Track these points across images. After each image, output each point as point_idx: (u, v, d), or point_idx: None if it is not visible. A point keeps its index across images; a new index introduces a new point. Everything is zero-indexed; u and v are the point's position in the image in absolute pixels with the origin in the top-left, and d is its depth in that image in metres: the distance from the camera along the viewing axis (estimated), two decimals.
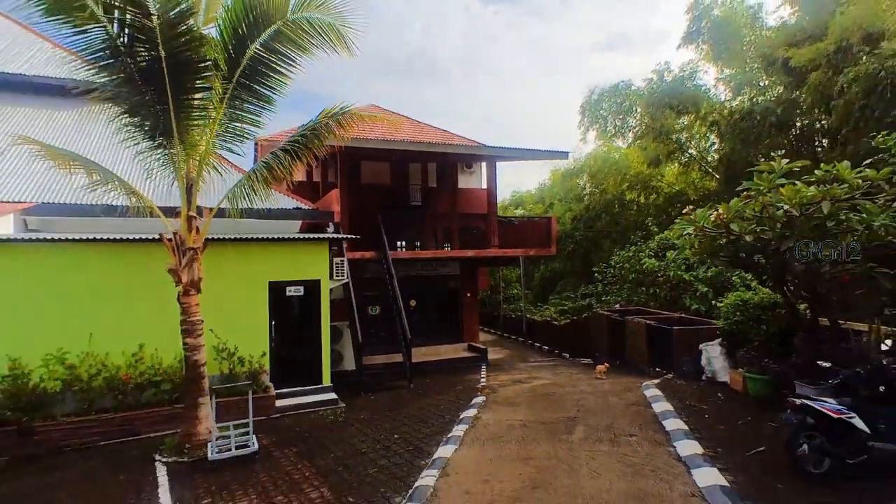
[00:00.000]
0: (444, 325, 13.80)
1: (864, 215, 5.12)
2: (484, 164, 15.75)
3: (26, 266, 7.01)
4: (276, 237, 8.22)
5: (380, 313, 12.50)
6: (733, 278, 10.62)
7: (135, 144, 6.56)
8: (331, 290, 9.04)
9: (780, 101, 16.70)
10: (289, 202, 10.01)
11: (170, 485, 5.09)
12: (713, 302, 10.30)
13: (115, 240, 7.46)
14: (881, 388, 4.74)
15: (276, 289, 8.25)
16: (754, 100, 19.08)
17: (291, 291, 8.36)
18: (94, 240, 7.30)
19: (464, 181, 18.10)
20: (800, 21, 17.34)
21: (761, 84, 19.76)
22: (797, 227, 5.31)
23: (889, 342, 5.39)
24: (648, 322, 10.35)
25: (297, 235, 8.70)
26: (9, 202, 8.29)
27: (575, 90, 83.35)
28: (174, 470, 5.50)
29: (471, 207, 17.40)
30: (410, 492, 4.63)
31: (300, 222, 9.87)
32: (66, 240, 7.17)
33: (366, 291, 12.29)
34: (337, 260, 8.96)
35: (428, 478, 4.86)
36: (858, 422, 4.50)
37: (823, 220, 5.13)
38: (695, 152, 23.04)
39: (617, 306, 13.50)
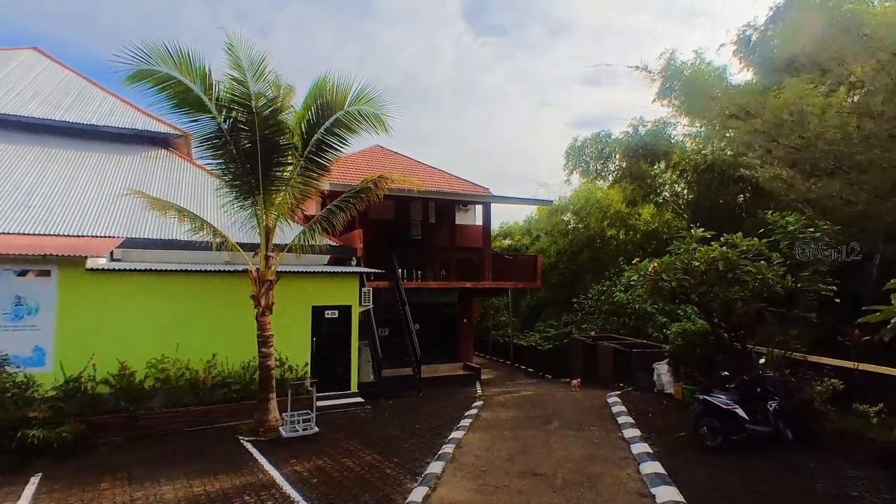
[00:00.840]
0: (443, 346, 15.82)
1: (753, 270, 7.43)
2: (479, 206, 18.08)
3: (131, 290, 9.00)
4: (321, 271, 10.35)
5: (388, 335, 14.52)
6: (679, 312, 12.91)
7: (228, 201, 8.68)
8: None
9: (738, 155, 19.38)
10: (322, 240, 12.14)
11: (260, 452, 7.06)
12: (664, 330, 12.56)
13: (197, 271, 9.49)
14: (758, 390, 6.94)
15: (317, 312, 10.32)
16: (716, 153, 21.83)
17: (329, 314, 10.43)
18: (183, 271, 9.34)
19: (460, 218, 20.43)
20: (757, 84, 20.23)
21: (726, 137, 22.60)
22: (707, 277, 7.60)
23: (763, 359, 7.61)
24: (615, 346, 12.55)
25: (336, 269, 10.81)
26: (100, 236, 10.33)
27: (562, 120, 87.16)
28: (258, 444, 7.46)
29: (466, 241, 19.66)
30: (437, 455, 6.68)
31: (328, 256, 11.99)
32: (163, 270, 9.20)
33: (376, 315, 14.33)
34: (364, 289, 11.06)
35: (447, 448, 6.91)
36: (739, 411, 6.68)
37: (724, 273, 7.43)
38: (668, 195, 25.68)
39: (592, 333, 15.69)
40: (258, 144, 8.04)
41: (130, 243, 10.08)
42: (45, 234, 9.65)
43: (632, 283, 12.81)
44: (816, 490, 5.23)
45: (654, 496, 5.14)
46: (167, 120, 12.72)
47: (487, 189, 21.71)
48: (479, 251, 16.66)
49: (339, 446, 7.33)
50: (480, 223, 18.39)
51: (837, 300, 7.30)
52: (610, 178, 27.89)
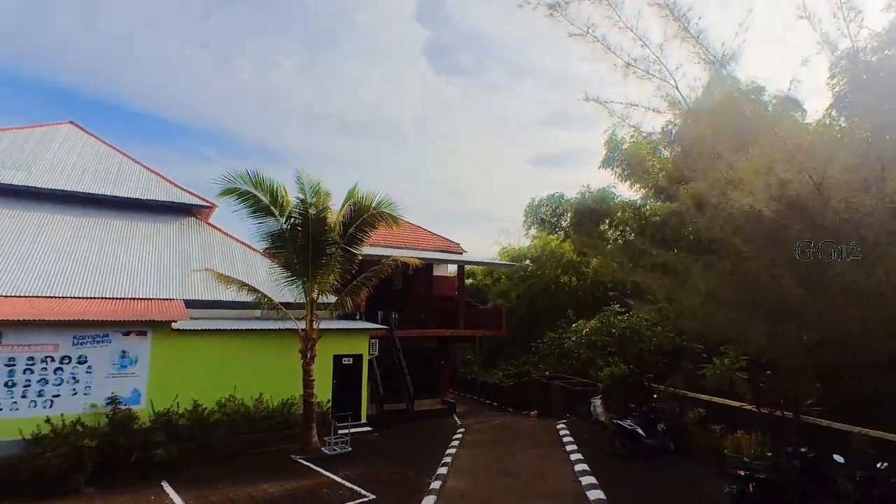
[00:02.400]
0: (424, 383, 18.81)
1: (650, 333, 11.09)
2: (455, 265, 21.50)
3: (202, 344, 11.72)
4: (342, 328, 13.36)
5: (385, 375, 17.42)
6: (609, 359, 16.58)
7: (280, 277, 11.68)
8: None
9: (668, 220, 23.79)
10: (332, 298, 15.16)
11: (314, 465, 9.93)
12: (600, 372, 16.16)
13: (248, 330, 12.33)
14: (652, 416, 10.46)
15: (337, 359, 13.27)
16: (650, 218, 26.31)
17: (345, 361, 13.40)
18: (238, 330, 12.17)
19: (436, 270, 23.84)
20: (682, 161, 24.94)
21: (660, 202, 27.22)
22: (622, 338, 11.21)
23: (656, 395, 11.20)
24: (563, 385, 16.01)
25: (353, 326, 13.84)
26: (164, 298, 13.02)
27: (523, 157, 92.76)
28: (310, 460, 10.32)
29: (442, 291, 23.00)
30: (440, 463, 9.79)
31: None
32: (225, 330, 12.01)
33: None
34: (371, 341, 14.11)
35: (446, 459, 10.04)
36: (639, 430, 10.15)
37: (631, 336, 11.06)
38: (612, 248, 29.99)
39: (546, 373, 19.13)
40: (309, 240, 11.18)
41: (191, 303, 12.84)
42: (129, 298, 12.31)
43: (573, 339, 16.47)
44: (681, 478, 8.69)
45: (581, 482, 8.46)
46: (244, 221, 15.47)
47: (459, 244, 25.38)
48: (453, 300, 19.97)
49: (369, 461, 10.30)
50: (454, 274, 21.81)
51: (705, 355, 11.02)
52: (562, 233, 32.23)
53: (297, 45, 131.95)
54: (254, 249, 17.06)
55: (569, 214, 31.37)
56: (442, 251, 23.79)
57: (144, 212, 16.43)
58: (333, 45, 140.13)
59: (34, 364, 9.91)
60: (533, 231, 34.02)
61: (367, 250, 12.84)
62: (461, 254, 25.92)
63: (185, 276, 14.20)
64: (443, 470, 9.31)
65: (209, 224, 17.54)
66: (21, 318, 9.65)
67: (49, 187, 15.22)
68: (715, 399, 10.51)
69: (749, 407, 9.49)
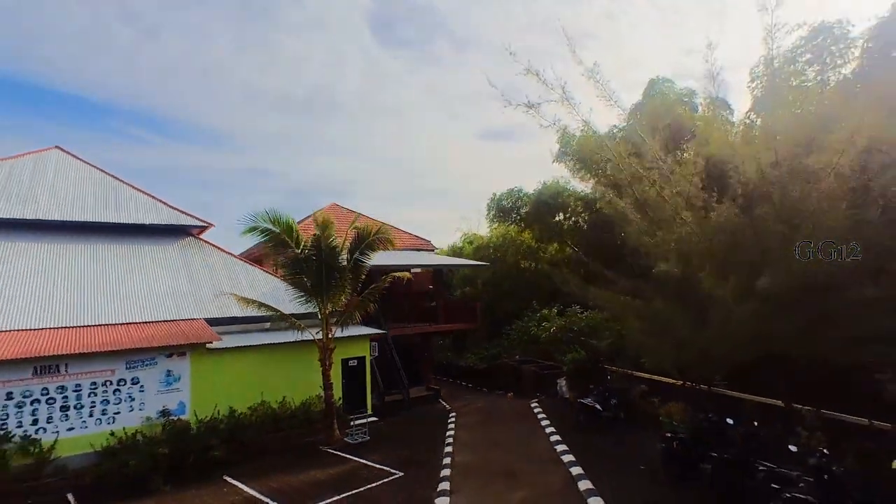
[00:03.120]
0: (411, 374, 21.19)
1: (603, 327, 13.89)
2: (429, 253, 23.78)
3: (233, 358, 13.57)
4: (350, 335, 15.44)
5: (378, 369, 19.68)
6: (572, 346, 19.54)
7: (296, 297, 13.63)
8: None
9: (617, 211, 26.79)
10: (357, 319, 17.16)
11: (343, 453, 12.19)
12: (563, 357, 19.09)
13: (270, 344, 14.24)
14: (606, 393, 13.31)
15: (344, 362, 15.42)
16: (600, 210, 29.37)
17: (351, 363, 15.56)
18: (263, 345, 14.07)
19: (415, 268, 26.02)
20: (625, 161, 27.99)
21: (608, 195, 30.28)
22: (582, 331, 13.97)
23: (610, 375, 14.08)
24: (534, 369, 18.84)
25: (355, 333, 15.93)
26: (188, 319, 14.68)
27: (472, 131, 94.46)
28: (338, 449, 12.56)
29: (419, 287, 25.23)
30: (445, 443, 12.29)
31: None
32: (252, 346, 13.88)
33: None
34: (372, 344, 16.32)
35: (449, 440, 12.56)
36: (598, 406, 12.99)
37: (589, 330, 13.83)
38: (567, 237, 33.09)
39: (516, 357, 21.94)
40: (323, 265, 13.18)
41: (214, 322, 14.58)
42: (160, 321, 13.92)
43: (543, 325, 19.23)
44: (629, 441, 11.55)
45: (556, 449, 11.17)
46: (265, 251, 16.86)
47: (429, 241, 27.75)
48: (429, 293, 22.31)
49: (386, 446, 12.67)
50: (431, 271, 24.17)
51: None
52: (522, 223, 35.05)
53: (230, 17, 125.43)
54: (251, 264, 18.74)
55: (527, 206, 34.18)
56: (416, 249, 26.09)
57: (146, 235, 17.69)
58: (271, 17, 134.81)
59: (97, 388, 11.58)
60: (495, 224, 36.66)
61: (370, 261, 14.89)
62: (432, 250, 28.29)
63: (198, 295, 15.83)
64: (448, 448, 11.82)
65: (206, 242, 19.00)
66: (83, 352, 11.28)
67: (57, 219, 16.27)
68: (654, 377, 13.47)
69: (678, 383, 12.47)
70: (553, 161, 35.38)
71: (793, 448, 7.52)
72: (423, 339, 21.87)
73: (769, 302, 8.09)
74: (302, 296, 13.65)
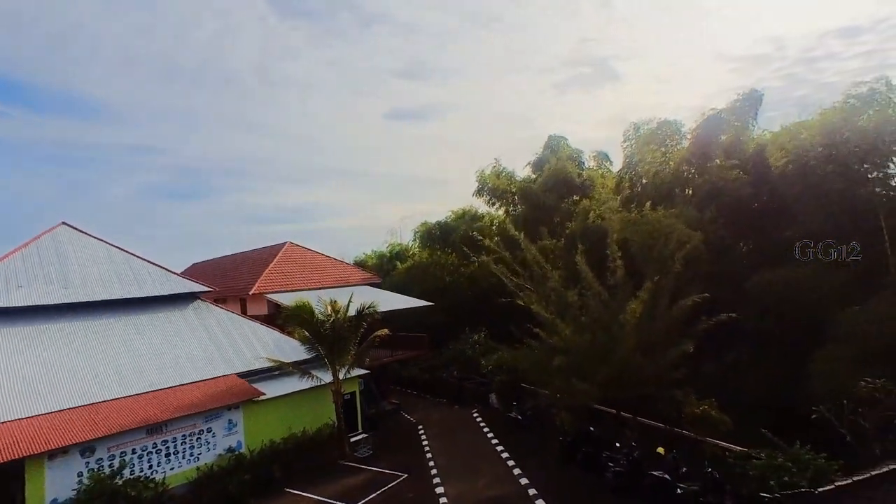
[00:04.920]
0: (371, 393, 27.16)
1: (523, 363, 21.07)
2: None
3: (273, 406, 18.74)
4: (347, 377, 21.09)
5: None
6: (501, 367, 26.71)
7: (310, 357, 19.09)
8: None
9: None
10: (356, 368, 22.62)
11: (358, 464, 18.16)
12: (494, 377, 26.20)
13: (299, 391, 19.55)
14: (525, 406, 20.52)
15: (342, 395, 21.12)
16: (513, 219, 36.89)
17: (346, 397, 21.30)
18: (294, 392, 19.34)
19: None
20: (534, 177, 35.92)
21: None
22: (508, 367, 21.02)
23: (526, 392, 21.28)
24: (472, 385, 25.76)
25: (353, 375, 21.58)
26: (223, 375, 19.51)
27: (379, 111, 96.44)
28: (353, 461, 18.50)
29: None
30: (425, 450, 18.77)
31: None
32: (287, 394, 19.12)
33: None
34: (360, 380, 22.11)
35: (426, 447, 19.05)
36: (519, 416, 20.19)
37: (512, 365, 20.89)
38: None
39: (454, 373, 28.73)
40: (334, 335, 18.77)
41: (242, 374, 19.56)
42: (207, 379, 18.62)
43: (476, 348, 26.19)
44: (540, 438, 18.77)
45: (497, 450, 18.14)
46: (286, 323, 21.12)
47: (375, 273, 33.71)
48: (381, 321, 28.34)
49: (385, 457, 18.80)
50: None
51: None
52: (438, 247, 41.81)
53: None
54: (253, 319, 23.56)
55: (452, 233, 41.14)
56: (368, 283, 32.00)
57: (166, 303, 21.83)
58: None
59: (186, 438, 16.46)
60: (426, 251, 43.09)
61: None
62: (380, 281, 34.30)
63: (222, 352, 20.55)
64: (429, 454, 18.32)
65: (212, 303, 23.41)
66: (180, 415, 16.08)
67: (88, 299, 19.97)
68: (554, 382, 20.86)
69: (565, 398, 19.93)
70: (473, 195, 43.10)
71: (617, 444, 15.00)
72: (385, 365, 27.92)
73: (590, 356, 15.40)
74: (316, 354, 19.16)
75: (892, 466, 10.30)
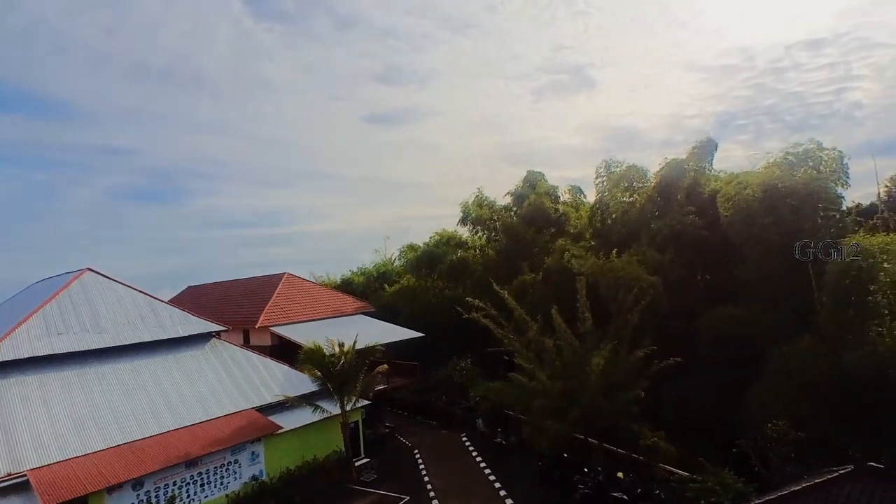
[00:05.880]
0: (369, 419, 29.80)
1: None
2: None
3: (290, 436, 21.28)
4: (351, 408, 23.77)
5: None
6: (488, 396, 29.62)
7: (313, 388, 21.74)
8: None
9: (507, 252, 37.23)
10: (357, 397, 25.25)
11: (365, 487, 20.86)
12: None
13: (311, 423, 22.14)
14: (509, 432, 23.48)
15: (349, 424, 23.77)
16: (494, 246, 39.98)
17: (351, 424, 23.94)
18: (308, 424, 21.93)
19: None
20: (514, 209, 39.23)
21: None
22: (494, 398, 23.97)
23: (510, 419, 24.22)
24: (460, 411, 28.62)
25: (357, 406, 24.23)
26: (246, 409, 22.02)
27: (356, 115, 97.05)
28: (361, 486, 21.18)
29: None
30: (422, 471, 21.57)
31: None
32: (303, 426, 21.71)
33: None
34: (363, 410, 24.77)
35: (423, 470, 21.85)
36: (503, 441, 23.13)
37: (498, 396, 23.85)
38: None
39: (443, 397, 31.53)
40: (342, 375, 21.45)
41: (260, 409, 22.09)
42: (231, 413, 21.09)
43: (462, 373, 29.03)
44: (520, 460, 21.73)
45: (485, 473, 21.04)
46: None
47: (368, 303, 36.39)
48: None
49: (388, 480, 21.54)
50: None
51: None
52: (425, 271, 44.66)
53: None
54: (258, 350, 26.07)
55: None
56: (361, 312, 34.67)
57: (185, 344, 24.21)
58: None
59: (217, 469, 18.97)
60: (414, 279, 45.91)
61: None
62: (374, 310, 36.95)
63: (239, 388, 23.03)
64: (426, 478, 21.11)
65: (226, 341, 25.86)
66: (214, 450, 18.59)
67: (120, 343, 22.27)
68: (532, 421, 23.85)
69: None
70: (457, 223, 46.50)
71: (585, 469, 18.03)
72: (382, 391, 30.58)
73: (563, 398, 18.45)
74: (324, 387, 21.83)
75: (791, 489, 13.46)
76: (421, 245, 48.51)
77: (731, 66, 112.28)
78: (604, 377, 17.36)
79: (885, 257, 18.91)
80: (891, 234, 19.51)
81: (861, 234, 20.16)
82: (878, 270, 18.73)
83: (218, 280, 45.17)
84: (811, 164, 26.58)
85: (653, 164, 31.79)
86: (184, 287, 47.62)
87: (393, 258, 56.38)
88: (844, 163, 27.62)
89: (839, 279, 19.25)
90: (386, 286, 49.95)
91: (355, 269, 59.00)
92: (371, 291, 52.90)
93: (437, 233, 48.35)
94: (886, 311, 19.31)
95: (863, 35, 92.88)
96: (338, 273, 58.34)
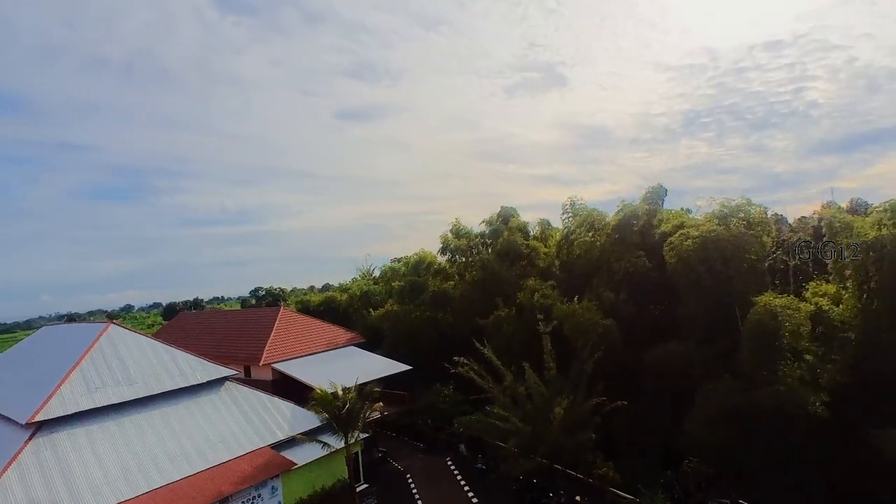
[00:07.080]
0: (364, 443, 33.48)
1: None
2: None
3: (302, 471, 24.84)
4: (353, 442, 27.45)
5: None
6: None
7: (324, 426, 25.38)
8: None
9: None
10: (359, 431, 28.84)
11: None
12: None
13: (320, 457, 25.73)
14: (489, 457, 27.55)
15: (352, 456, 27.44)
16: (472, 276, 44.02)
17: (352, 454, 27.61)
18: (317, 458, 25.52)
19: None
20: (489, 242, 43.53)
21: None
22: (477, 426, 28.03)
23: (490, 444, 28.28)
24: (445, 436, 32.59)
25: (358, 439, 27.90)
26: (261, 447, 25.50)
27: (328, 110, 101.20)
28: None
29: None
30: (415, 495, 25.48)
31: None
32: (313, 460, 25.29)
33: None
34: (361, 441, 28.46)
35: (416, 493, 25.76)
36: (483, 466, 27.25)
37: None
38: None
39: (429, 421, 35.39)
40: (344, 416, 25.11)
41: (274, 446, 25.58)
42: (250, 451, 24.52)
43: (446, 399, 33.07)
44: (498, 483, 25.81)
45: (467, 492, 25.08)
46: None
47: (356, 334, 40.02)
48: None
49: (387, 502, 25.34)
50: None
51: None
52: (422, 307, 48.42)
53: None
54: (265, 388, 29.50)
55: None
56: (352, 343, 38.32)
57: (203, 389, 27.42)
58: None
59: (245, 503, 22.47)
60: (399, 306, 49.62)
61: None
62: (363, 341, 40.62)
63: (254, 427, 26.43)
64: (420, 501, 24.99)
65: (238, 382, 29.18)
66: (241, 488, 22.06)
67: (149, 394, 25.39)
68: (508, 447, 27.96)
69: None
70: (437, 253, 50.80)
71: (550, 494, 22.23)
72: (378, 418, 34.28)
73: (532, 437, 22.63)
74: (333, 431, 25.47)
75: None
76: (400, 262, 52.51)
77: (697, 65, 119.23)
78: (565, 420, 21.56)
79: (788, 314, 23.79)
80: (790, 297, 24.42)
81: (770, 294, 24.90)
82: (782, 323, 23.51)
83: (193, 288, 48.26)
84: (742, 215, 31.69)
85: (622, 167, 36.69)
86: (154, 289, 50.33)
87: (372, 269, 59.99)
88: (769, 216, 32.83)
89: (753, 330, 23.95)
90: (371, 310, 53.60)
91: (336, 286, 62.48)
92: (353, 310, 56.84)
93: (416, 254, 52.40)
94: (790, 355, 24.24)
95: (819, 37, 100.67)
96: (318, 279, 62.00)
